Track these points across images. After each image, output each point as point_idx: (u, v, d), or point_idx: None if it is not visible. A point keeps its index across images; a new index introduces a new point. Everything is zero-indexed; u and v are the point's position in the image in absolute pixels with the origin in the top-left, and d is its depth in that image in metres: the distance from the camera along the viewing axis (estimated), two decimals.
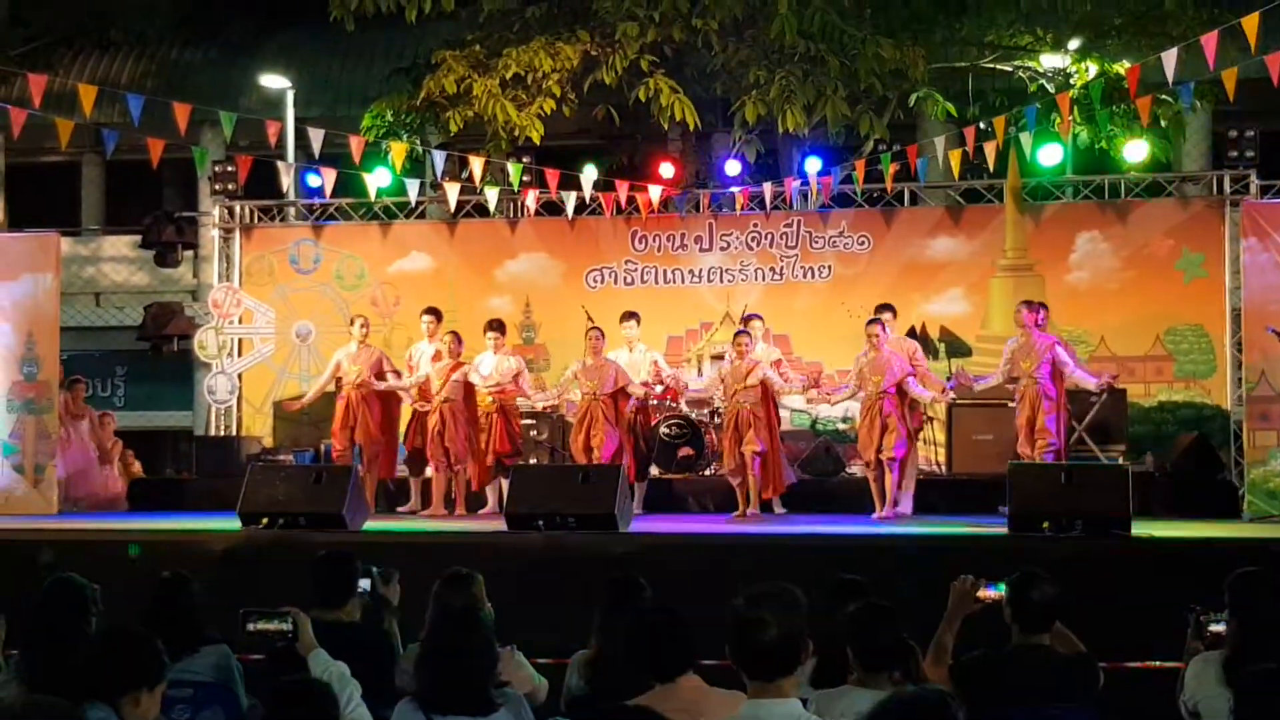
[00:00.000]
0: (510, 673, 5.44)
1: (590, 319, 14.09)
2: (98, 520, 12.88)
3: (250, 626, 5.48)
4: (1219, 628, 5.58)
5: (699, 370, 14.80)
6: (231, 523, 10.94)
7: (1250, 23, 11.26)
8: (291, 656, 5.39)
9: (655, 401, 13.65)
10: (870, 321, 12.34)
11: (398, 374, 13.38)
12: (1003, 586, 5.60)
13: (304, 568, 6.24)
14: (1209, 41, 11.86)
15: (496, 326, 13.37)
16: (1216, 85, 12.95)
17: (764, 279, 15.62)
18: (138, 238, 19.19)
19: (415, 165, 16.24)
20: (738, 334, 12.57)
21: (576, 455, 12.70)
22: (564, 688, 5.72)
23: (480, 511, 13.08)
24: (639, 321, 13.68)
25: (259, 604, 5.63)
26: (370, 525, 11.10)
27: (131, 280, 22.83)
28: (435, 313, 13.69)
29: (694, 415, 13.81)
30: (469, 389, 13.04)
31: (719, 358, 14.36)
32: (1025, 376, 11.99)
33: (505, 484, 12.73)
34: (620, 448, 12.51)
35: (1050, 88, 16.46)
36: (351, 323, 13.69)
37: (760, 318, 13.60)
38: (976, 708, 5.32)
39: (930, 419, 13.86)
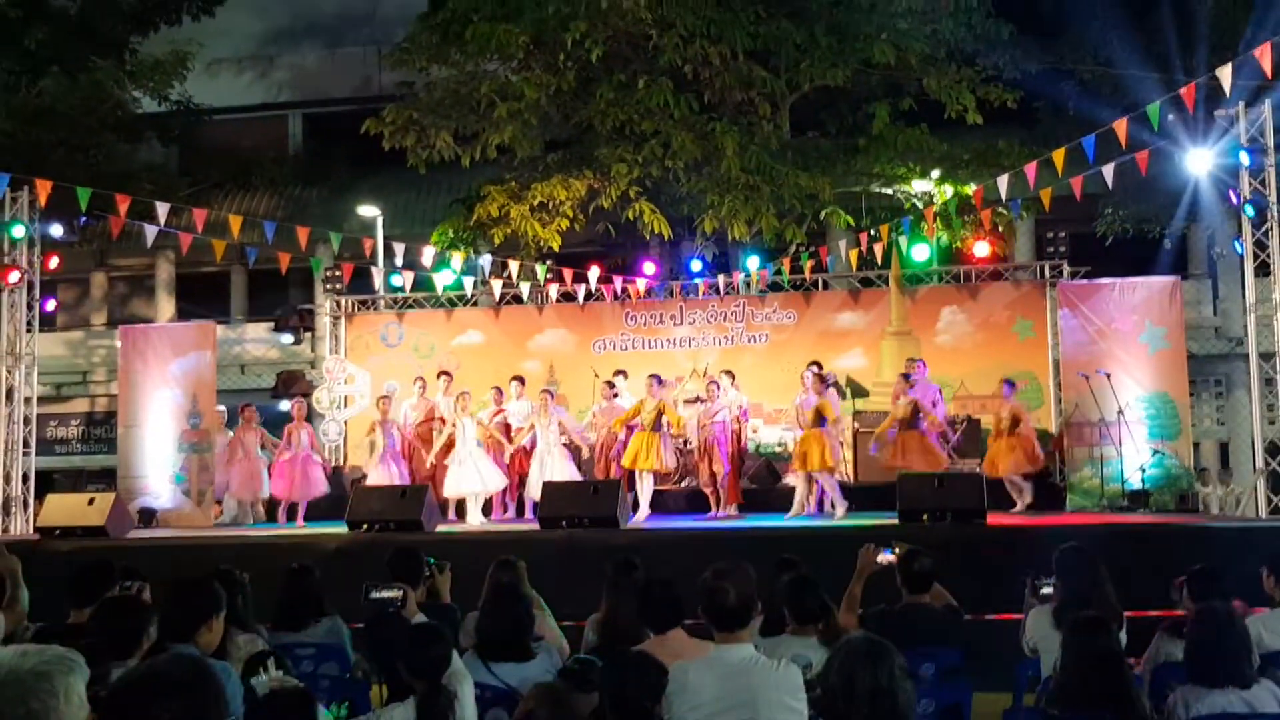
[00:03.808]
0: (544, 630, 5.44)
1: (597, 375, 14.13)
2: (242, 530, 12.83)
3: (372, 594, 5.38)
4: (1049, 589, 5.59)
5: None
6: (341, 529, 10.93)
7: (1059, 156, 11.54)
8: (399, 620, 5.33)
9: None
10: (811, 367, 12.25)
11: (441, 420, 13.17)
12: (893, 550, 5.66)
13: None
14: (1030, 170, 12.10)
15: (518, 379, 13.43)
16: (1037, 200, 13.06)
17: (720, 344, 15.62)
18: (271, 324, 19.25)
19: (470, 268, 16.30)
20: (710, 383, 12.57)
21: (599, 471, 12.66)
22: (583, 640, 5.71)
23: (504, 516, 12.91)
24: (626, 376, 13.76)
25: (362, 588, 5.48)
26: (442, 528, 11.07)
27: (267, 355, 22.77)
28: (448, 374, 13.75)
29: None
30: (506, 428, 13.01)
31: (691, 401, 14.38)
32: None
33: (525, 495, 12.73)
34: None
35: (919, 204, 16.58)
36: (438, 377, 13.68)
37: (731, 374, 13.25)
38: None
39: (840, 442, 13.80)
